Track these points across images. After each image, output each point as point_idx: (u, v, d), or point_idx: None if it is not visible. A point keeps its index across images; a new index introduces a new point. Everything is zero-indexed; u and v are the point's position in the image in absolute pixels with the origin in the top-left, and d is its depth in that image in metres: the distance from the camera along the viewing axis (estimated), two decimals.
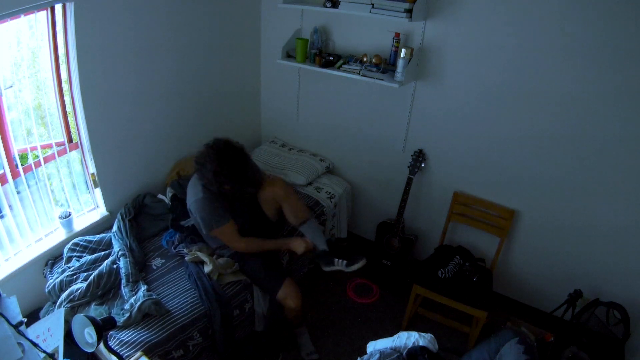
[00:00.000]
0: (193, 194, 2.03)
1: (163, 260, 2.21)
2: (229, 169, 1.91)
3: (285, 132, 3.34)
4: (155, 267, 2.16)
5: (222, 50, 2.86)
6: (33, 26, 1.91)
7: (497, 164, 2.46)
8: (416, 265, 2.81)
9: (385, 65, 2.46)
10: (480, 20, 2.21)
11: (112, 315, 1.82)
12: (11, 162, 1.98)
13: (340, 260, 2.09)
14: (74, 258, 2.15)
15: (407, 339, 1.66)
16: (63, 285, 1.98)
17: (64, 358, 1.33)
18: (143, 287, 1.95)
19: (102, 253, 2.17)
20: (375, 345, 1.72)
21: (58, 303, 1.92)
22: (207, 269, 2.06)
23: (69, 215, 2.27)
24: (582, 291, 2.27)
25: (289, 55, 2.78)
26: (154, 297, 1.90)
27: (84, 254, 2.17)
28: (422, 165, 2.62)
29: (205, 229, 2.03)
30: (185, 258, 2.16)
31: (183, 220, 2.35)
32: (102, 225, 2.42)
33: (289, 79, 3.07)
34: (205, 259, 2.10)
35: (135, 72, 2.34)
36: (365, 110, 2.83)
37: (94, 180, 2.36)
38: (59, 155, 2.19)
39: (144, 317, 1.84)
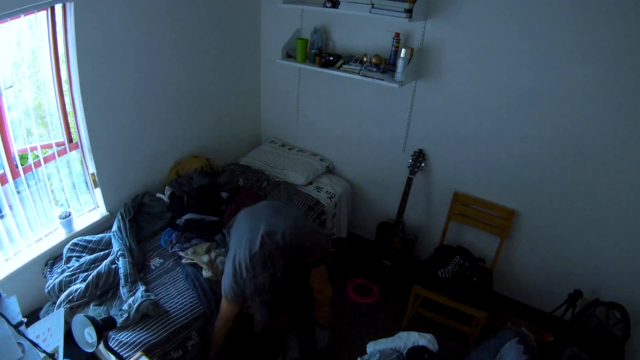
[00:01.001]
0: (246, 245, 1.64)
1: (161, 260, 2.21)
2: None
3: (285, 132, 3.34)
4: (153, 267, 2.16)
5: (222, 50, 2.86)
6: (33, 26, 1.91)
7: (497, 164, 2.46)
8: (416, 265, 2.81)
9: (385, 65, 2.46)
10: (480, 20, 2.21)
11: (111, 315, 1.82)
12: (11, 162, 1.98)
13: None
14: (74, 258, 2.14)
15: (407, 339, 1.66)
16: (62, 286, 1.98)
17: (64, 358, 1.33)
18: (141, 288, 1.95)
19: (102, 253, 2.17)
20: (375, 345, 1.72)
21: (57, 303, 1.92)
22: (206, 274, 2.06)
23: (69, 215, 2.27)
24: (582, 291, 2.27)
25: (289, 55, 2.78)
26: (152, 297, 1.89)
27: (84, 254, 2.17)
28: (422, 165, 2.62)
29: (222, 285, 1.79)
30: (183, 261, 2.16)
31: (179, 218, 2.35)
32: (102, 225, 2.41)
33: (289, 79, 3.07)
34: (203, 264, 2.09)
35: (135, 71, 2.34)
36: (365, 110, 2.83)
37: (94, 180, 2.36)
38: (59, 155, 2.19)
39: (142, 318, 1.84)
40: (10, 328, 1.13)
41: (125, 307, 1.85)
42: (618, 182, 2.14)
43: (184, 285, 2.05)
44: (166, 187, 2.59)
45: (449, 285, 2.29)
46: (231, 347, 2.08)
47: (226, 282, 1.69)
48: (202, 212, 2.36)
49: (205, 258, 2.12)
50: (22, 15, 1.82)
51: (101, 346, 1.40)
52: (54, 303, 1.97)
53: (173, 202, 2.45)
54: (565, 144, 2.21)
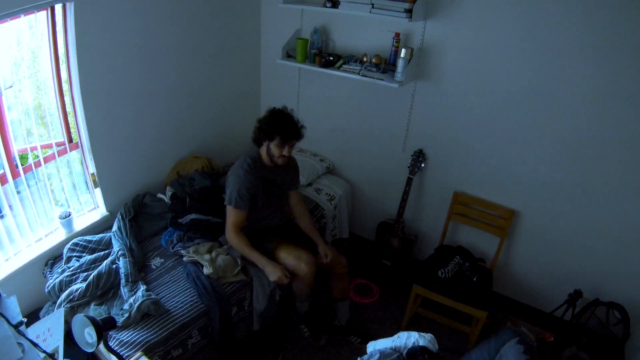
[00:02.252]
0: (235, 168, 2.13)
1: (162, 260, 2.21)
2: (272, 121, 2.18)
3: None
4: (154, 267, 2.16)
5: (222, 50, 2.86)
6: (33, 26, 1.91)
7: (498, 164, 2.46)
8: (416, 265, 2.81)
9: (385, 65, 2.46)
10: (481, 20, 2.20)
11: (112, 315, 1.82)
12: (11, 162, 1.98)
13: (305, 329, 2.33)
14: (74, 258, 2.15)
15: (407, 339, 1.66)
16: (63, 285, 1.98)
17: (64, 358, 1.33)
18: (142, 287, 1.95)
19: (102, 253, 2.17)
20: (375, 345, 1.71)
21: (58, 303, 1.92)
22: (207, 271, 2.06)
23: (69, 215, 2.27)
24: (582, 291, 2.27)
25: (289, 55, 2.78)
26: (153, 297, 1.90)
27: (84, 254, 2.17)
28: (422, 165, 2.62)
29: (225, 199, 2.13)
30: (184, 259, 2.16)
31: (181, 218, 2.35)
32: (102, 225, 2.42)
33: (289, 79, 3.07)
34: (204, 262, 2.09)
35: (135, 71, 2.34)
36: (365, 110, 2.83)
37: (94, 180, 2.36)
38: (59, 155, 2.19)
39: (143, 317, 1.84)
40: (10, 328, 1.13)
41: (126, 306, 1.85)
42: (618, 181, 2.14)
43: (185, 284, 2.05)
44: (167, 188, 2.59)
45: (449, 285, 2.29)
46: (233, 344, 2.09)
47: (230, 193, 2.08)
48: (205, 214, 2.36)
49: (207, 256, 2.12)
50: (22, 15, 1.82)
51: (101, 346, 1.40)
52: (54, 303, 1.97)
53: (175, 203, 2.44)
54: (565, 144, 2.21)
